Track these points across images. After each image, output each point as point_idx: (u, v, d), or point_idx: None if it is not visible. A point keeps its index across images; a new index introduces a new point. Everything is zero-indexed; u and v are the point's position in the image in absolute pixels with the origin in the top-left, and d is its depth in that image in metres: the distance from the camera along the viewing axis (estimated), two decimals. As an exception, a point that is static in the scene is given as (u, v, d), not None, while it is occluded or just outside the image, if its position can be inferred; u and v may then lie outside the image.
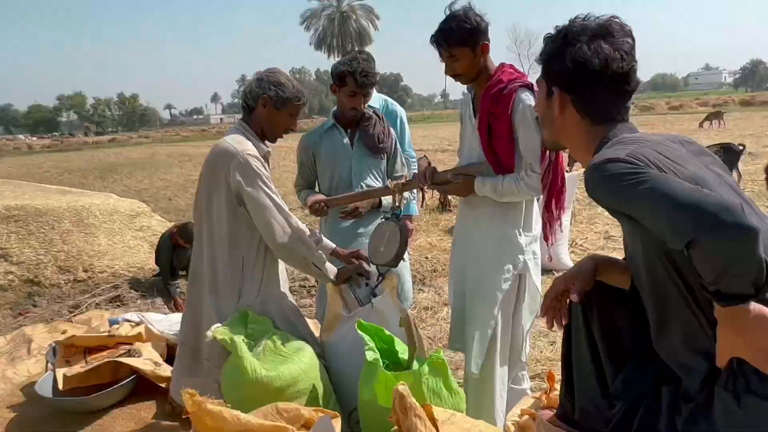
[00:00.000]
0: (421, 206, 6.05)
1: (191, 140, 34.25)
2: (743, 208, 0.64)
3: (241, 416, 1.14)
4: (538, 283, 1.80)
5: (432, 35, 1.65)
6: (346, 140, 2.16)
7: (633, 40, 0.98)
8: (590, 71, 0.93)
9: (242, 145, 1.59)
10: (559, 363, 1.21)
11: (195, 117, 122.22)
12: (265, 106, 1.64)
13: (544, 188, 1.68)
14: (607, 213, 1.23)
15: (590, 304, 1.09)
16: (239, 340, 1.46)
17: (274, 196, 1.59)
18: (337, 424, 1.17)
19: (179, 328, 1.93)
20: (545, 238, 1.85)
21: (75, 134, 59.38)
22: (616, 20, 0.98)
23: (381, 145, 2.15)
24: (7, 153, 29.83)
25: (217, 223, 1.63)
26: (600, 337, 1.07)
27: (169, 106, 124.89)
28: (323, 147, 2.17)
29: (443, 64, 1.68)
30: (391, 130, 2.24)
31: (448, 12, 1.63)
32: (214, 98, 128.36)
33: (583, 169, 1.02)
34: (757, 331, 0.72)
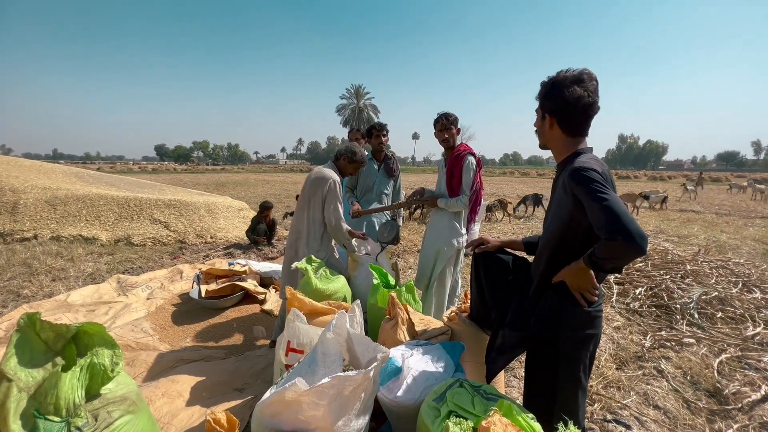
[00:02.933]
0: (410, 218, 9.49)
1: (268, 172, 52.17)
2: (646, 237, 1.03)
3: (312, 302, 1.80)
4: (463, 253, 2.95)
5: (436, 118, 2.70)
6: (376, 166, 3.25)
7: (597, 82, 1.26)
8: (569, 104, 1.24)
9: (333, 174, 2.57)
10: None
11: (270, 159, 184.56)
12: (345, 160, 2.67)
13: (469, 204, 2.70)
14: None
15: (482, 256, 1.68)
16: (310, 269, 2.11)
17: (338, 204, 2.55)
18: (354, 313, 1.59)
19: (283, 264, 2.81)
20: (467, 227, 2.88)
21: (201, 164, 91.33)
22: (586, 71, 1.26)
23: (394, 173, 3.30)
24: (162, 172, 43.25)
25: (312, 210, 2.57)
26: (483, 275, 1.66)
27: (256, 152, 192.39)
28: (365, 168, 3.20)
29: (436, 137, 2.75)
30: (398, 165, 3.41)
31: (443, 112, 2.72)
32: (282, 149, 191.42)
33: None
34: (582, 277, 1.20)
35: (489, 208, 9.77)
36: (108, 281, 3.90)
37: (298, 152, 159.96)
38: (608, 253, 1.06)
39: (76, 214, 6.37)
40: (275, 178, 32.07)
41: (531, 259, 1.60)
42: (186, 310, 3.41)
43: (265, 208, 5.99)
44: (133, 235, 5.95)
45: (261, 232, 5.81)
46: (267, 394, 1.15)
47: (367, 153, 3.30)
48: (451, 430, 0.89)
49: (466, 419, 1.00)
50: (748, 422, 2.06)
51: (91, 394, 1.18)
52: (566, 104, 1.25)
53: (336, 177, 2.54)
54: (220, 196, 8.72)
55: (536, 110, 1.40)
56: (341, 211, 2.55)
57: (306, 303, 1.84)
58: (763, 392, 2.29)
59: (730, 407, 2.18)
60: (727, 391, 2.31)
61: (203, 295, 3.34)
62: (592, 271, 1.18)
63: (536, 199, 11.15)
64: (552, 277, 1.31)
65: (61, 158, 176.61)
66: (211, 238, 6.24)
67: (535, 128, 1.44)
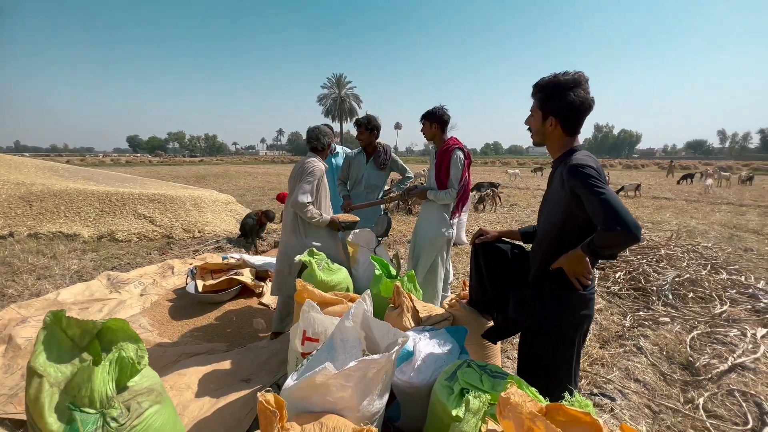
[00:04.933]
0: (412, 213, 9.11)
1: (248, 163, 50.84)
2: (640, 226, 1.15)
3: (321, 293, 1.87)
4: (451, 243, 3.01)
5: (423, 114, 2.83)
6: (365, 159, 3.32)
7: (588, 84, 1.37)
8: (575, 108, 1.35)
9: (316, 162, 2.66)
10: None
11: (250, 150, 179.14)
12: (327, 149, 2.76)
13: (457, 197, 2.81)
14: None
15: (482, 246, 1.77)
16: (313, 261, 2.17)
17: (311, 185, 2.57)
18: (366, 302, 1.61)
19: (276, 256, 2.71)
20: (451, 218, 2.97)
21: (177, 156, 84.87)
22: (582, 74, 1.37)
23: (382, 165, 3.30)
24: (136, 165, 41.42)
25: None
26: (483, 264, 1.76)
27: (234, 143, 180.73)
28: (355, 161, 3.34)
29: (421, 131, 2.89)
30: (394, 156, 3.38)
31: (441, 105, 2.80)
32: (262, 140, 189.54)
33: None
34: (579, 264, 1.32)
35: (482, 199, 9.96)
36: (98, 278, 3.83)
37: (279, 143, 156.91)
38: (606, 241, 1.17)
39: (54, 210, 6.14)
40: (257, 170, 31.45)
41: (528, 247, 1.72)
42: (182, 305, 3.41)
43: (268, 218, 5.76)
44: (117, 231, 5.80)
45: (255, 230, 5.72)
46: (292, 380, 1.23)
47: (360, 149, 3.38)
48: (471, 402, 0.99)
49: (486, 392, 1.10)
50: (716, 390, 2.29)
51: (120, 387, 1.22)
52: (572, 107, 1.35)
53: (319, 165, 2.62)
54: (206, 190, 8.55)
55: (533, 110, 1.47)
56: (314, 191, 2.57)
57: (316, 294, 1.91)
58: (729, 363, 2.53)
59: (701, 378, 2.41)
60: (698, 363, 2.54)
61: (200, 289, 3.34)
62: (587, 258, 1.31)
63: (492, 187, 11.41)
64: (550, 265, 1.43)
65: (24, 150, 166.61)
66: (199, 232, 6.15)
67: (528, 126, 1.52)
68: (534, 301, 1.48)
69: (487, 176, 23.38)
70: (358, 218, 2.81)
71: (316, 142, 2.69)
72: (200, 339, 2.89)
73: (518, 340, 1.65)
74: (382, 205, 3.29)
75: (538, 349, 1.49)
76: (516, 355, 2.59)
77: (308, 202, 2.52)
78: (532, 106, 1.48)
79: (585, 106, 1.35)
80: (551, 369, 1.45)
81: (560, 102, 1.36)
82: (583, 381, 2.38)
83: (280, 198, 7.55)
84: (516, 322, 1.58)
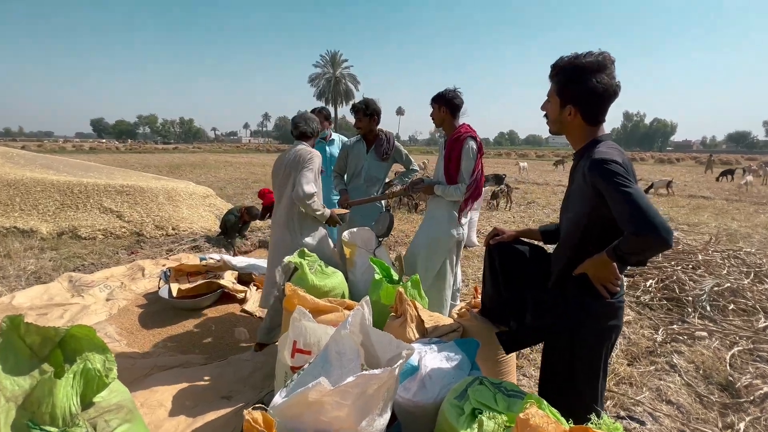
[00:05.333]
0: (416, 211, 9.25)
1: (229, 152, 50.72)
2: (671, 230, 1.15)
3: (314, 299, 1.87)
4: (462, 246, 3.04)
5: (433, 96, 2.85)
6: (365, 149, 3.31)
7: (614, 67, 1.36)
8: (597, 95, 1.34)
9: (313, 150, 2.69)
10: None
11: (231, 137, 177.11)
12: (314, 136, 2.81)
13: (468, 193, 2.79)
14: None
15: (497, 247, 1.77)
16: (304, 263, 2.18)
17: (315, 174, 2.63)
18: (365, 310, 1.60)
19: (268, 254, 2.88)
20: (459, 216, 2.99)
21: (148, 142, 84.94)
22: (607, 55, 1.36)
23: (384, 155, 3.30)
24: (102, 152, 41.50)
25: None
26: (499, 267, 1.75)
27: (214, 129, 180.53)
28: (354, 150, 3.34)
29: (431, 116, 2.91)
30: (398, 145, 3.37)
31: (454, 87, 2.82)
32: (245, 126, 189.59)
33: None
34: (604, 269, 1.31)
35: (495, 195, 10.03)
36: (58, 280, 3.84)
37: (264, 129, 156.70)
38: (634, 247, 1.17)
39: (8, 202, 6.15)
40: (239, 159, 31.49)
41: (548, 248, 1.72)
42: (154, 311, 3.43)
43: (251, 215, 5.71)
44: (79, 227, 5.81)
45: (237, 229, 5.70)
46: (281, 398, 1.23)
47: (359, 136, 3.38)
48: (485, 424, 1.00)
49: (501, 413, 1.11)
50: (759, 414, 2.31)
51: (85, 402, 1.22)
52: (593, 94, 1.34)
53: (316, 151, 2.67)
54: (181, 181, 8.57)
55: (550, 95, 1.46)
56: (316, 180, 2.61)
57: (308, 300, 1.91)
58: (774, 384, 2.56)
59: (742, 400, 2.43)
60: (739, 384, 2.56)
61: (175, 294, 3.35)
62: (614, 263, 1.31)
63: (497, 179, 11.59)
64: (573, 269, 1.43)
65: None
66: (173, 229, 6.16)
67: (545, 113, 1.51)
68: (556, 302, 1.49)
69: (500, 169, 23.48)
70: (348, 211, 2.84)
71: (306, 126, 2.71)
72: (174, 350, 2.90)
73: (537, 355, 1.67)
74: (383, 201, 3.30)
75: (557, 363, 1.50)
76: (533, 373, 2.63)
77: (314, 193, 2.55)
78: (549, 90, 1.48)
79: (609, 93, 1.34)
80: (572, 385, 1.46)
81: (580, 88, 1.35)
82: (608, 402, 2.39)
83: (262, 195, 7.46)
84: (533, 330, 1.59)
